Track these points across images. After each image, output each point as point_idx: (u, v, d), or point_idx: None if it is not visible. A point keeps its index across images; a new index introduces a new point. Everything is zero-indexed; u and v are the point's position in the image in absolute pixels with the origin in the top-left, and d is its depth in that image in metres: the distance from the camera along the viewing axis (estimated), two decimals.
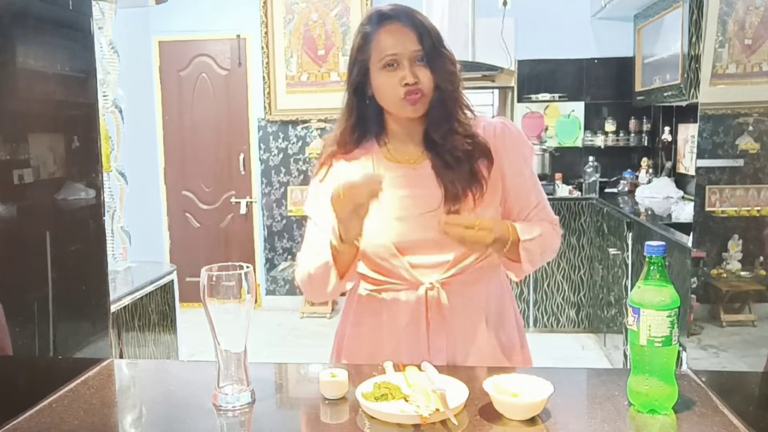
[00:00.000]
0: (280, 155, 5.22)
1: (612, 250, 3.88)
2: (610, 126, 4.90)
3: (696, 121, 1.35)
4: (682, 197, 4.23)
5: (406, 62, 1.28)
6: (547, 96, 4.94)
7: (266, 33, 5.03)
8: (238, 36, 5.15)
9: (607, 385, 1.18)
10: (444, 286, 1.33)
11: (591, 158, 4.73)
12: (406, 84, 1.27)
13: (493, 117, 1.47)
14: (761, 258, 1.15)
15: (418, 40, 1.28)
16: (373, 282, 1.38)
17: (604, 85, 4.93)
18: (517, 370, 1.23)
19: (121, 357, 2.35)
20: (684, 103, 3.96)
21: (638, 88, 4.63)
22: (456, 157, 1.32)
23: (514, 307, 1.45)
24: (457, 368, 1.29)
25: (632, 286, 1.60)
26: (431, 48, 1.29)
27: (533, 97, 4.96)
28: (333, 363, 1.48)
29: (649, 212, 3.86)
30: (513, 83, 4.88)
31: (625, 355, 3.55)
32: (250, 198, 5.31)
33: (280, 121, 5.15)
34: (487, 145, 1.35)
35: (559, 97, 4.94)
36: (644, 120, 4.85)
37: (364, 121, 1.37)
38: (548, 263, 4.44)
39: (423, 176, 1.35)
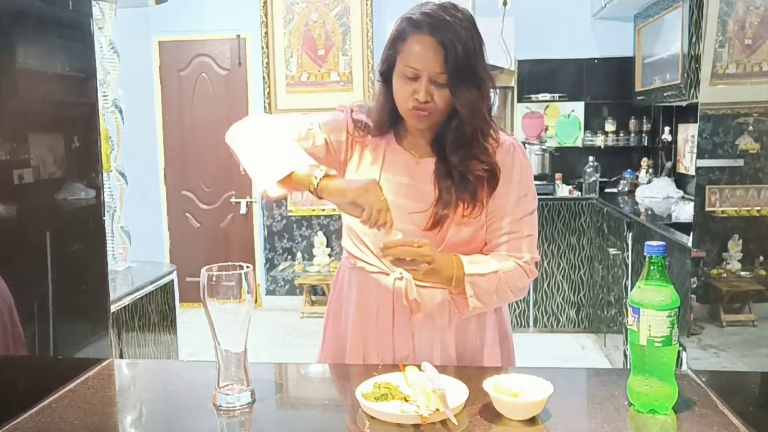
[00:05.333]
0: None
1: (612, 250, 3.88)
2: (610, 126, 4.90)
3: (696, 121, 1.35)
4: (682, 197, 4.22)
5: (425, 79, 1.25)
6: (547, 96, 4.94)
7: (266, 33, 5.03)
8: (238, 36, 5.15)
9: (607, 385, 1.18)
10: (415, 278, 1.33)
11: (591, 158, 4.73)
12: (417, 99, 1.26)
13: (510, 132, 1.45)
14: (761, 258, 1.15)
15: (443, 61, 1.23)
16: (353, 257, 1.41)
17: (604, 85, 4.93)
18: (509, 370, 1.23)
19: (121, 357, 2.35)
20: (684, 103, 3.96)
21: (638, 88, 4.63)
22: (465, 178, 1.30)
23: (500, 308, 1.43)
24: (457, 368, 1.29)
25: (632, 286, 1.60)
26: (456, 70, 1.24)
27: (533, 97, 4.96)
28: (319, 357, 1.50)
29: (649, 212, 3.86)
30: (513, 83, 4.88)
31: (625, 355, 3.55)
32: (250, 198, 5.31)
33: None
34: (498, 171, 1.32)
35: (559, 97, 4.93)
36: (644, 120, 4.85)
37: (392, 107, 1.35)
38: (548, 263, 4.44)
39: (423, 171, 1.35)
